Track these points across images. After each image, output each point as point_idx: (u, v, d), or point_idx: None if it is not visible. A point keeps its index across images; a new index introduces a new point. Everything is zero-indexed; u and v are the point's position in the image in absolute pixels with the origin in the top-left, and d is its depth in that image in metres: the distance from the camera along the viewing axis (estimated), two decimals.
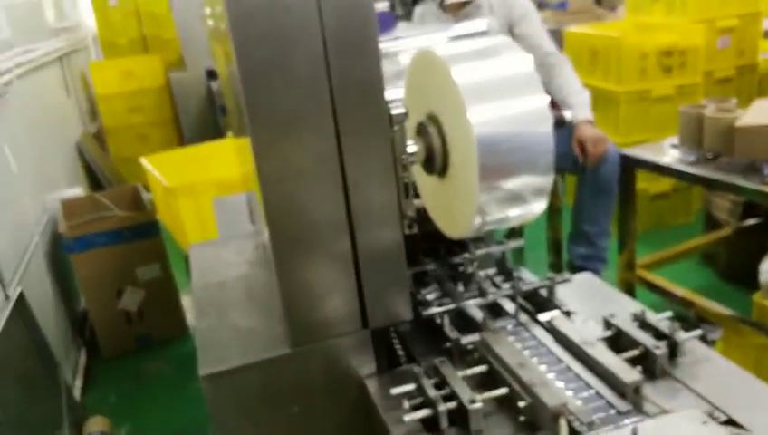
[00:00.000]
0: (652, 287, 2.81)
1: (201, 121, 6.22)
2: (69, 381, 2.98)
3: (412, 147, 1.37)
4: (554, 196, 3.32)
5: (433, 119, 1.39)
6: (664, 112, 3.67)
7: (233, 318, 1.60)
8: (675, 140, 2.67)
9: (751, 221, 3.16)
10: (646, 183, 3.85)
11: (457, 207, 1.40)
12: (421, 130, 1.41)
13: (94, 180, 5.42)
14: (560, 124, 1.50)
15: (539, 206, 1.37)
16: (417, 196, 1.54)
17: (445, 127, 1.36)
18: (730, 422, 1.15)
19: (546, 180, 1.33)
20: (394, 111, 1.31)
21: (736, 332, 2.49)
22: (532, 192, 1.34)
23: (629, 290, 2.87)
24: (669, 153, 2.62)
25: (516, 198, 1.33)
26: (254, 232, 2.03)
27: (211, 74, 6.03)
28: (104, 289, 3.42)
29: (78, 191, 4.22)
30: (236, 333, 1.53)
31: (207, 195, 3.06)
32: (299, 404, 1.45)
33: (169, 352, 3.44)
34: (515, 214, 1.37)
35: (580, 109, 2.77)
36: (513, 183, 1.31)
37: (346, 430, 1.49)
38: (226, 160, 3.21)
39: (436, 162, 1.38)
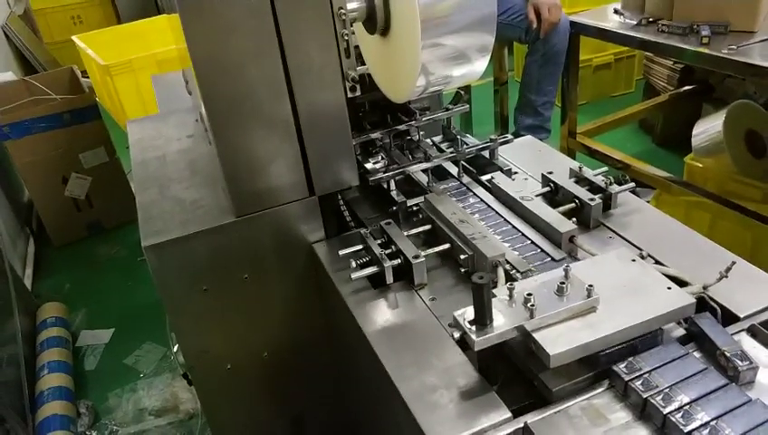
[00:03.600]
0: (592, 153, 2.89)
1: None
2: (17, 270, 2.94)
3: (352, 2, 1.32)
4: (501, 69, 3.30)
5: None
6: None
7: (175, 191, 1.59)
8: (618, 5, 2.65)
9: (686, 88, 3.23)
10: (589, 54, 3.88)
11: (401, 67, 1.37)
12: None
13: (27, 67, 5.11)
14: None
15: (481, 64, 1.36)
16: (362, 63, 1.51)
17: None
18: (657, 264, 1.23)
19: (489, 37, 1.31)
20: None
21: (668, 191, 2.61)
22: (475, 49, 1.31)
23: (571, 157, 2.94)
24: (612, 19, 2.61)
25: (459, 55, 1.31)
26: (192, 105, 1.98)
27: None
28: (48, 177, 3.32)
29: (9, 76, 3.98)
30: (180, 205, 1.52)
31: (145, 72, 2.93)
32: (248, 272, 1.48)
33: (122, 237, 3.43)
34: (459, 73, 1.35)
35: None
36: (455, 40, 1.28)
37: (297, 294, 1.54)
38: (164, 37, 3.05)
39: (378, 18, 1.33)
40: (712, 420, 0.87)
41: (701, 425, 0.86)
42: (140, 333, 2.67)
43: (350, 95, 1.38)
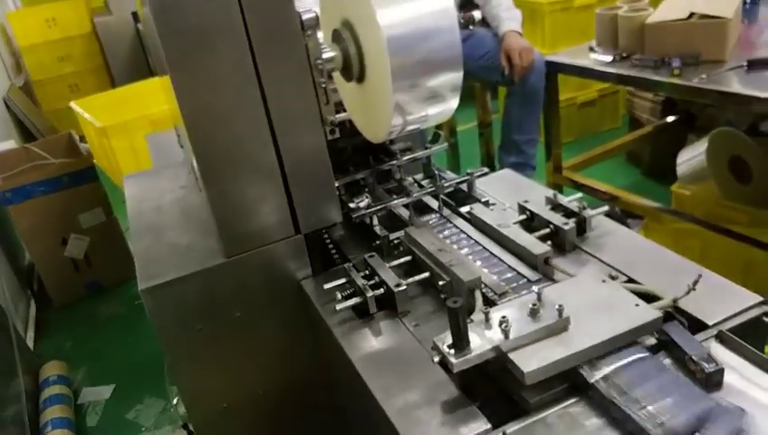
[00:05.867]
0: (579, 187, 2.95)
1: (133, 65, 6.03)
2: (20, 331, 2.98)
3: (328, 53, 1.41)
4: (485, 110, 3.41)
5: (347, 25, 1.42)
6: (586, 21, 3.74)
7: (169, 237, 1.65)
8: (593, 43, 2.76)
9: (669, 119, 3.32)
10: (573, 92, 3.98)
11: (377, 110, 1.45)
12: (337, 37, 1.44)
13: (27, 135, 5.26)
14: (467, 24, 1.56)
15: (454, 102, 1.42)
16: (344, 110, 1.59)
17: (358, 32, 1.39)
18: (630, 281, 1.28)
19: (456, 76, 1.38)
20: (305, 16, 1.34)
21: (657, 220, 2.66)
22: (447, 89, 1.39)
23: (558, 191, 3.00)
24: (588, 56, 2.71)
25: (430, 95, 1.38)
26: (184, 158, 2.05)
27: (138, 16, 5.84)
28: (48, 239, 3.40)
29: (10, 144, 4.10)
30: (173, 250, 1.58)
31: (140, 132, 3.03)
32: (240, 310, 1.53)
33: (120, 295, 3.48)
34: (433, 112, 1.42)
35: (508, 21, 2.82)
36: (425, 81, 1.35)
37: (288, 331, 1.58)
38: (156, 98, 3.15)
39: (353, 68, 1.41)
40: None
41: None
42: (141, 387, 2.69)
43: (329, 138, 1.46)
